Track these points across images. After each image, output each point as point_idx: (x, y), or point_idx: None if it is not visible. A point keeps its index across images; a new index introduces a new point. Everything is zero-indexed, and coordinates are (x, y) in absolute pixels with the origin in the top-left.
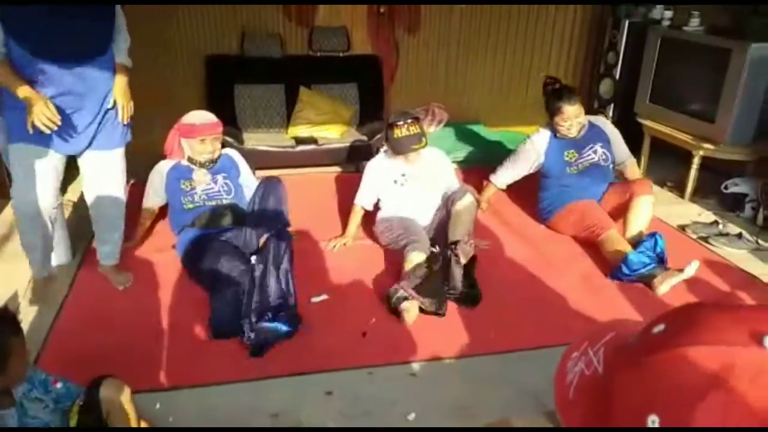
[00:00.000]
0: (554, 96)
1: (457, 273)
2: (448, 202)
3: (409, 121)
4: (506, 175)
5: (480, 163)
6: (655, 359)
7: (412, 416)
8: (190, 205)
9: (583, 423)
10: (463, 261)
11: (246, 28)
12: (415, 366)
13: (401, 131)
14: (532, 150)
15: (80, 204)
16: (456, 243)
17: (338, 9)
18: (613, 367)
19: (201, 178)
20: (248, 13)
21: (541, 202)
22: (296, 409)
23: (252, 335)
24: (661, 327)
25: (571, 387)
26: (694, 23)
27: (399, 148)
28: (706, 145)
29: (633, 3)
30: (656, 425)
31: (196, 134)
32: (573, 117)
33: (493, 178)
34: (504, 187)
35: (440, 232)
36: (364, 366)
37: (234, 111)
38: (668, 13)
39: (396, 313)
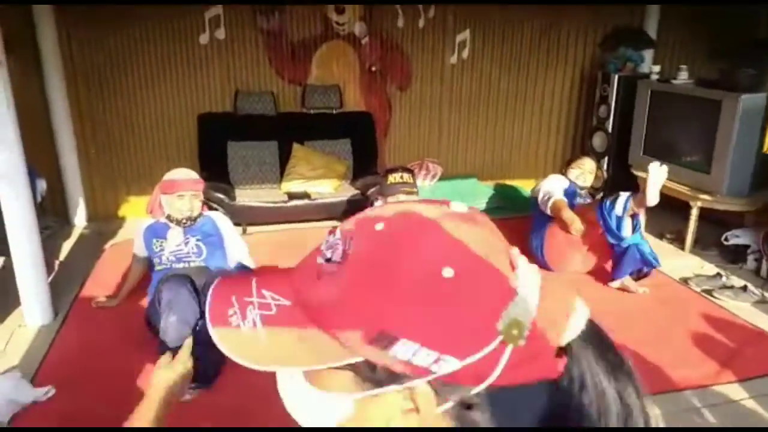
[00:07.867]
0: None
1: None
2: None
3: (404, 171)
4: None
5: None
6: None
7: None
8: (159, 267)
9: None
10: None
11: (239, 86)
12: None
13: (395, 178)
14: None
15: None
16: None
17: (331, 68)
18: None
19: (174, 237)
20: (241, 72)
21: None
22: None
23: None
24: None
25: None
26: (683, 77)
27: (389, 191)
28: (703, 196)
29: None
30: None
31: (175, 190)
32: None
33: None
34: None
35: None
36: None
37: (227, 168)
38: (656, 68)
39: None
